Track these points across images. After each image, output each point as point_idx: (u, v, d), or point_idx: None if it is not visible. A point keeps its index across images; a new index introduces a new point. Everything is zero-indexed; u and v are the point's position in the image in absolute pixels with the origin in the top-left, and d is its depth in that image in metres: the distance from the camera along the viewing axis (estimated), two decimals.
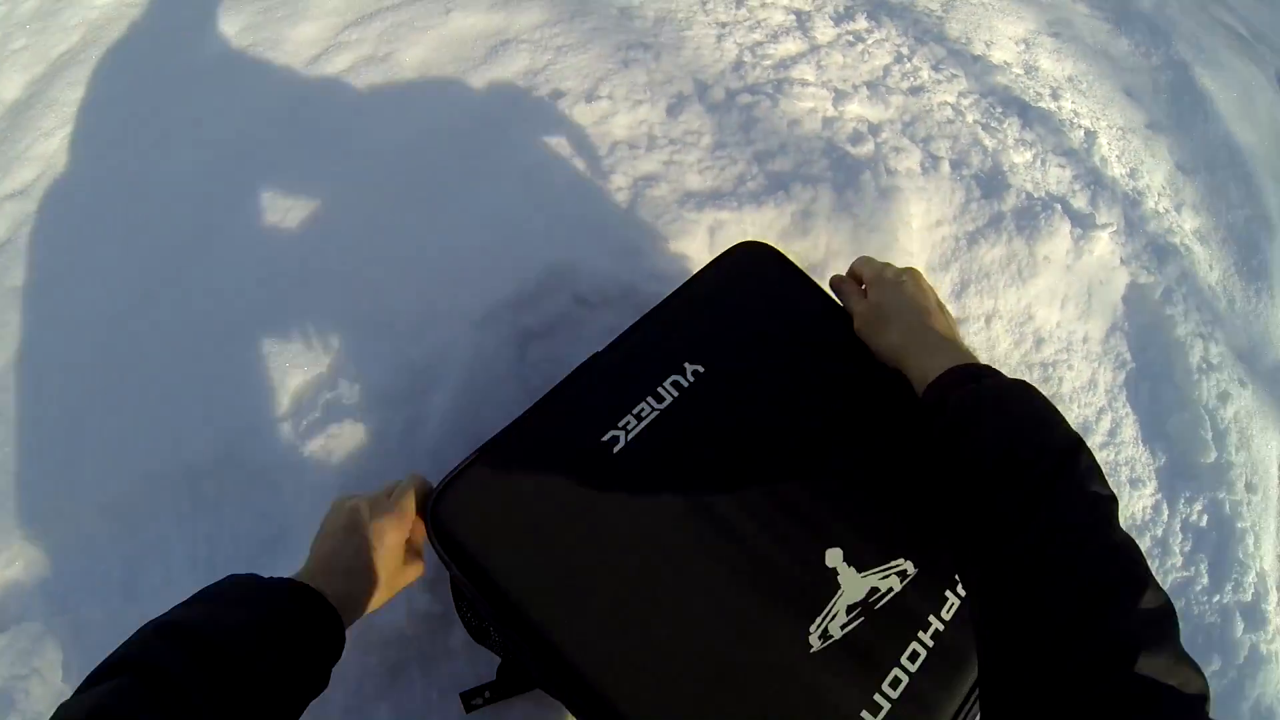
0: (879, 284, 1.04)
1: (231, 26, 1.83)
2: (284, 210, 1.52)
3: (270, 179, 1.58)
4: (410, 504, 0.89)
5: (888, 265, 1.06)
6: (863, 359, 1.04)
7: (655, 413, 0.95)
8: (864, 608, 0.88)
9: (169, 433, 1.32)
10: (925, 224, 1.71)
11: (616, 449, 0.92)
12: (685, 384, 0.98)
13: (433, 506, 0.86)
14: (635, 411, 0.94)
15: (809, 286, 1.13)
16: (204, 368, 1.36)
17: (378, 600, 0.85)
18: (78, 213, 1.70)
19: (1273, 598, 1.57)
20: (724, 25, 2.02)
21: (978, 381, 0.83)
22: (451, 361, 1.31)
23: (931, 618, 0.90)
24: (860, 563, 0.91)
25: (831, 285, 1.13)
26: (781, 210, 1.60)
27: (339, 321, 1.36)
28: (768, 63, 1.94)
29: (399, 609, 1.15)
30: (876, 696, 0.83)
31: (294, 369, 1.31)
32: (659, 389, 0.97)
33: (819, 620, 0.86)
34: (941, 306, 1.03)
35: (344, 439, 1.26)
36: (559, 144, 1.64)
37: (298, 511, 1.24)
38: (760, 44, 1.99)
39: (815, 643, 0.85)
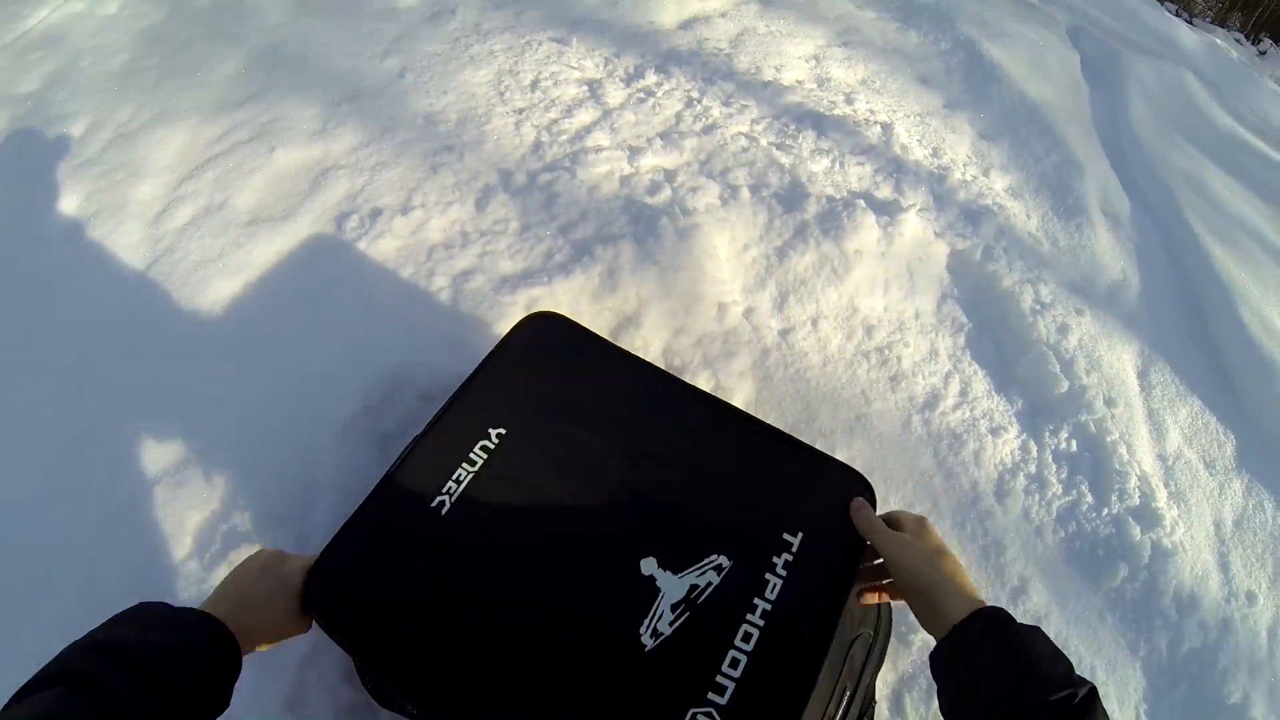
0: (918, 525, 1.06)
1: (75, 197, 1.88)
2: (160, 368, 1.55)
3: (140, 339, 1.61)
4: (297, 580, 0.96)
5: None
6: (646, 393, 1.17)
7: (470, 475, 1.05)
8: (687, 604, 0.96)
9: (85, 579, 1.32)
10: (733, 251, 1.79)
11: (444, 511, 1.02)
12: (491, 446, 1.09)
13: (305, 592, 0.94)
14: (454, 477, 1.05)
15: (590, 338, 1.25)
16: (115, 520, 1.38)
17: (273, 637, 0.91)
18: None
19: (1161, 494, 1.65)
20: (521, 111, 2.13)
21: (1003, 627, 0.86)
22: (324, 475, 1.39)
23: (756, 600, 0.97)
24: (675, 565, 0.99)
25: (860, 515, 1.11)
26: (589, 274, 1.67)
27: (221, 459, 1.40)
28: (564, 138, 2.05)
29: (327, 706, 1.19)
30: (718, 678, 0.90)
31: (190, 510, 1.36)
32: (470, 454, 1.08)
33: (646, 622, 0.94)
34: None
35: None
36: (385, 258, 1.72)
37: None
38: (556, 121, 2.10)
39: (648, 641, 0.93)
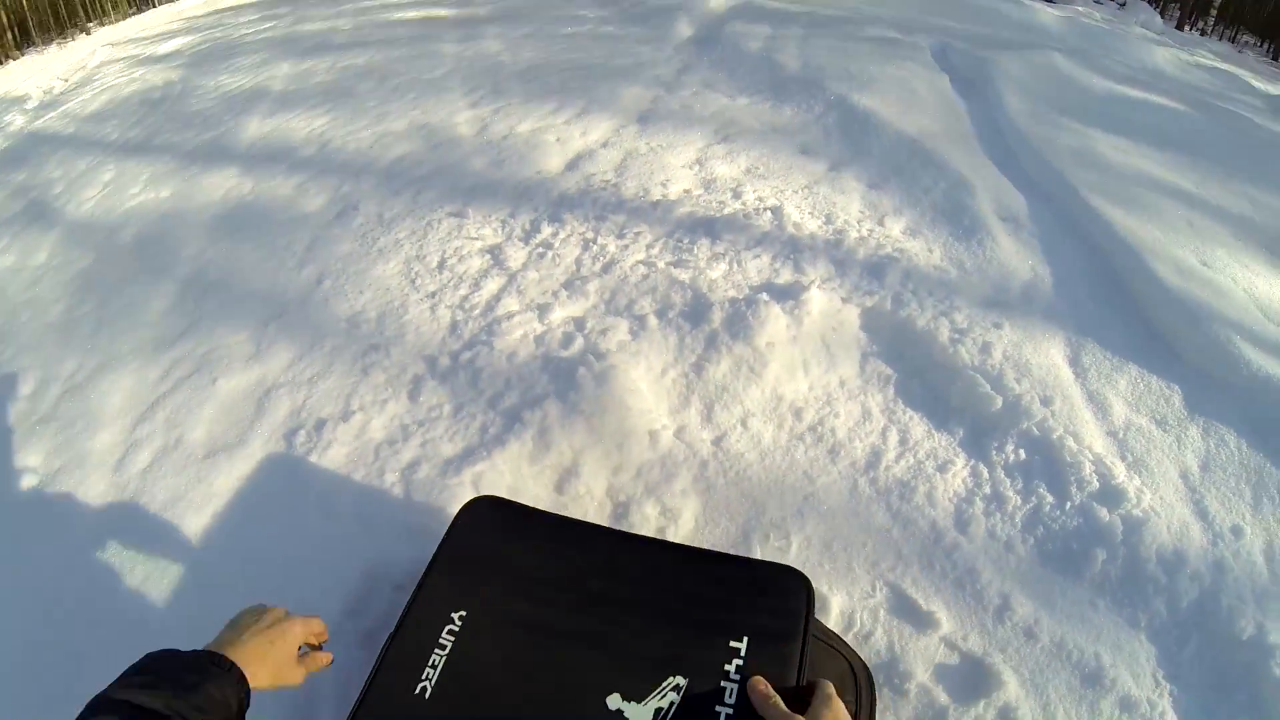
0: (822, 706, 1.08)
1: (36, 456, 1.96)
2: (138, 609, 1.62)
3: (113, 590, 1.68)
4: (314, 622, 1.12)
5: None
6: (585, 549, 1.30)
7: (444, 658, 1.16)
8: None
9: None
10: (651, 380, 1.90)
11: (427, 695, 1.13)
12: (456, 629, 1.20)
13: None
14: (430, 664, 1.16)
15: (525, 512, 1.38)
16: None
17: (270, 681, 1.01)
18: None
19: (1119, 469, 1.68)
20: (433, 294, 2.28)
21: None
22: (321, 682, 1.44)
23: (718, 707, 1.05)
24: (638, 695, 1.08)
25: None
26: (522, 440, 1.78)
27: None
28: (477, 312, 2.18)
29: None
30: None
31: None
32: (439, 640, 1.19)
33: None
34: None
35: None
36: (337, 465, 1.81)
37: None
38: (466, 297, 2.24)
39: None
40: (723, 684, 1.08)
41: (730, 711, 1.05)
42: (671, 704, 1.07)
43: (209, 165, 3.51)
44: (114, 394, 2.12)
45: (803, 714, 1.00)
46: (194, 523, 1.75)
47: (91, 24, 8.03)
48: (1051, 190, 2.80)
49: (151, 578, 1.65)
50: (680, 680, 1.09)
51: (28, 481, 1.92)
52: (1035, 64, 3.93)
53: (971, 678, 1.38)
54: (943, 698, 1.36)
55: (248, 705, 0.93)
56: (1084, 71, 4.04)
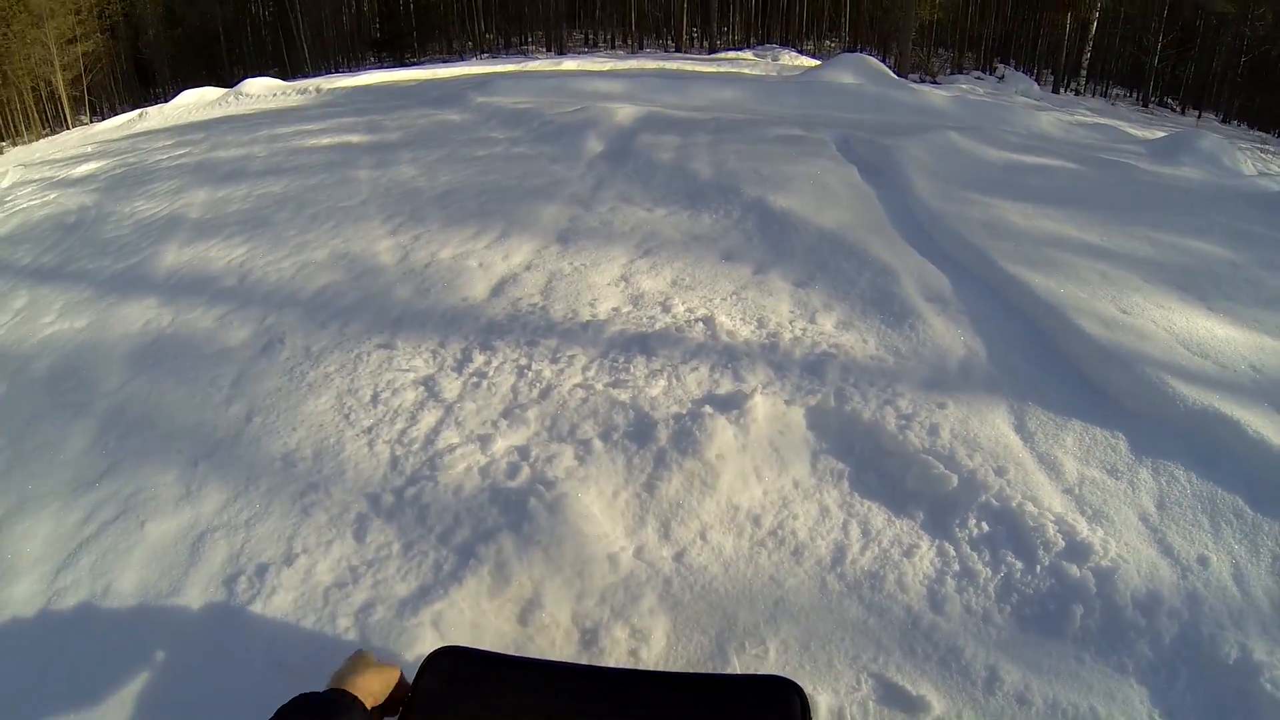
0: None
1: None
2: None
3: None
4: (396, 672, 1.20)
5: None
6: (558, 689, 1.22)
7: None
8: None
9: None
10: (604, 503, 1.85)
11: None
12: None
13: None
14: None
15: (489, 660, 1.29)
16: None
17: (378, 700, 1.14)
18: None
19: (1081, 525, 1.70)
20: (369, 429, 2.20)
21: None
22: None
23: None
24: None
25: None
26: (479, 575, 1.70)
27: None
28: (416, 446, 2.12)
29: None
30: None
31: None
32: None
33: None
34: None
35: None
36: (284, 613, 1.70)
37: None
38: (404, 430, 2.18)
39: None
40: None
41: None
42: None
43: (126, 294, 3.43)
44: (31, 539, 1.98)
45: None
46: (129, 688, 1.61)
47: (4, 143, 8.02)
48: (970, 264, 2.89)
49: None
50: None
51: None
52: (934, 145, 4.12)
53: None
54: None
55: None
56: (979, 145, 4.25)
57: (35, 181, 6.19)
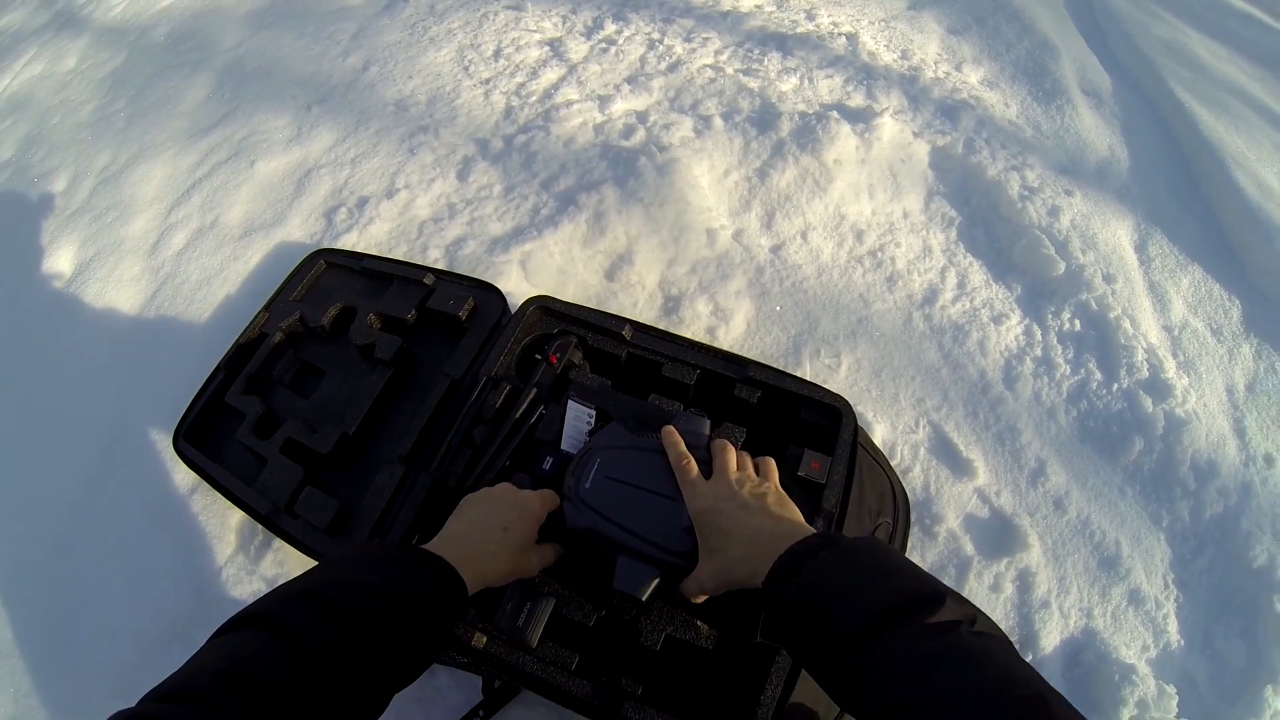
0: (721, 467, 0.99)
1: (71, 246, 1.92)
2: (173, 373, 1.60)
3: (156, 357, 1.66)
4: (549, 495, 0.99)
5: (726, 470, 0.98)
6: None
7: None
8: None
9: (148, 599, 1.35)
10: (714, 179, 1.80)
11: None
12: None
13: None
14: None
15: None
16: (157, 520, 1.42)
17: (507, 567, 0.90)
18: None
19: (1170, 365, 1.64)
20: (488, 81, 2.15)
21: (833, 545, 0.76)
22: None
23: None
24: None
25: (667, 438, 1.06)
26: (576, 222, 1.71)
27: None
28: (534, 99, 2.06)
29: None
30: None
31: (230, 509, 1.38)
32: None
33: None
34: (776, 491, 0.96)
35: None
36: (378, 241, 1.75)
37: None
38: (523, 84, 2.12)
39: None
40: None
41: None
42: None
43: None
44: (148, 182, 2.03)
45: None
46: (231, 299, 1.71)
47: None
48: (1139, 76, 2.65)
49: (185, 357, 1.60)
50: None
51: (62, 269, 1.86)
52: None
53: (998, 534, 1.37)
54: (969, 548, 1.35)
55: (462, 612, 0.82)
56: None
57: None
